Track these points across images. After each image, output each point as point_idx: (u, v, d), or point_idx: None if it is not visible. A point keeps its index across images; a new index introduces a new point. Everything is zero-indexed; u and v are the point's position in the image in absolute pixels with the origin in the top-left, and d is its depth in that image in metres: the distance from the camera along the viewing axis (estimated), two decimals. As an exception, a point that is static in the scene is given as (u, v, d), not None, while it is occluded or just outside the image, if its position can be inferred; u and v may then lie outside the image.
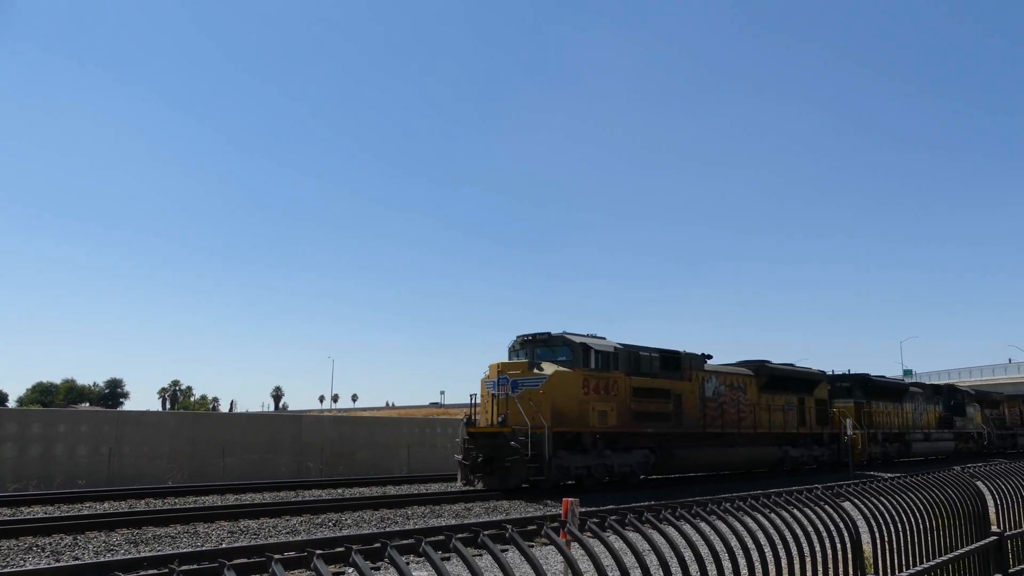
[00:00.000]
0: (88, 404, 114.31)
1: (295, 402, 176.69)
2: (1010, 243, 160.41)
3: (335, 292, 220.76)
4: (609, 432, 20.19)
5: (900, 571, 5.30)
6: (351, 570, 9.38)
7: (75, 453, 20.35)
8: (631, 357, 21.55)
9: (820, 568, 4.76)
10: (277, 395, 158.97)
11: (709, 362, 25.55)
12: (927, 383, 42.35)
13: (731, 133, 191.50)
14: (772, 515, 4.80)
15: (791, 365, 29.60)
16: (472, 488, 18.91)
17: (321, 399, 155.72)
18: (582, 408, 19.47)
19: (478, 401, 20.17)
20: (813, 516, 4.99)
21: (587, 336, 20.87)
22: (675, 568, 3.77)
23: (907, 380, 41.14)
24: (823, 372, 31.28)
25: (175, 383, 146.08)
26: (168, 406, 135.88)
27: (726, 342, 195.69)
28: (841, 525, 5.08)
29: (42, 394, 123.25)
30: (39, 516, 13.72)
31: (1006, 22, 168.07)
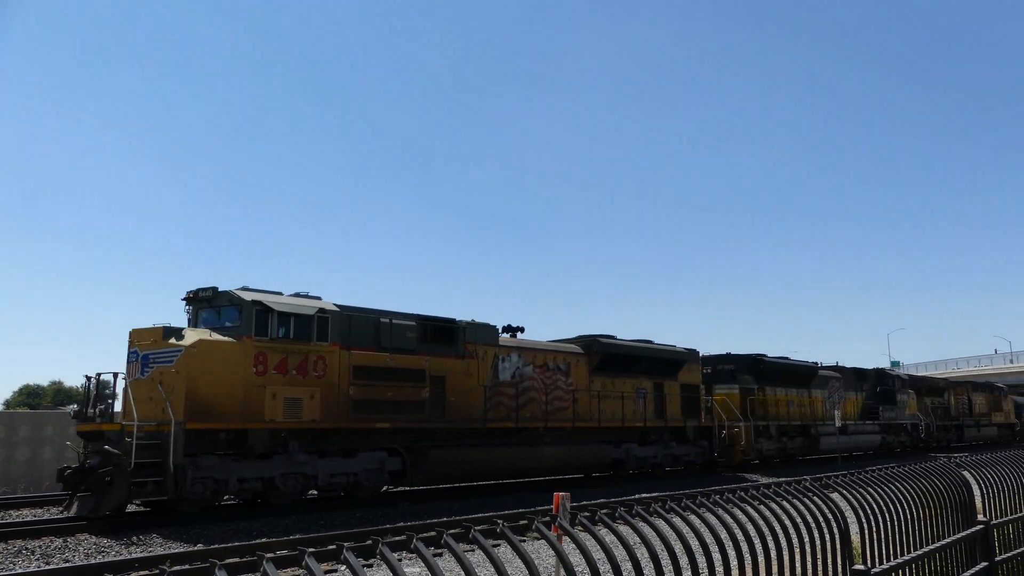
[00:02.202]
0: (76, 406, 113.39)
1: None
2: (999, 235, 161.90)
3: (327, 290, 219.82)
4: (311, 429, 14.73)
5: (888, 561, 5.35)
6: (343, 567, 9.39)
7: (63, 456, 20.23)
8: (352, 324, 15.64)
9: (809, 558, 4.81)
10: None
11: (521, 335, 20.41)
12: (848, 367, 35.33)
13: (715, 125, 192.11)
14: (761, 507, 4.84)
15: (648, 342, 23.81)
16: (70, 516, 12.91)
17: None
18: (251, 394, 13.90)
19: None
20: (802, 507, 5.04)
21: (269, 293, 15.14)
22: (666, 561, 3.80)
23: (823, 365, 34.18)
24: (692, 351, 25.23)
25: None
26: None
27: (712, 336, 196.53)
28: (830, 516, 5.13)
29: (29, 396, 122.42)
30: (28, 519, 13.64)
31: (995, 9, 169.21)
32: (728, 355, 28.64)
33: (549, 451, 19.28)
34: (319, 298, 15.80)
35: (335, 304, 15.75)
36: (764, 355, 29.24)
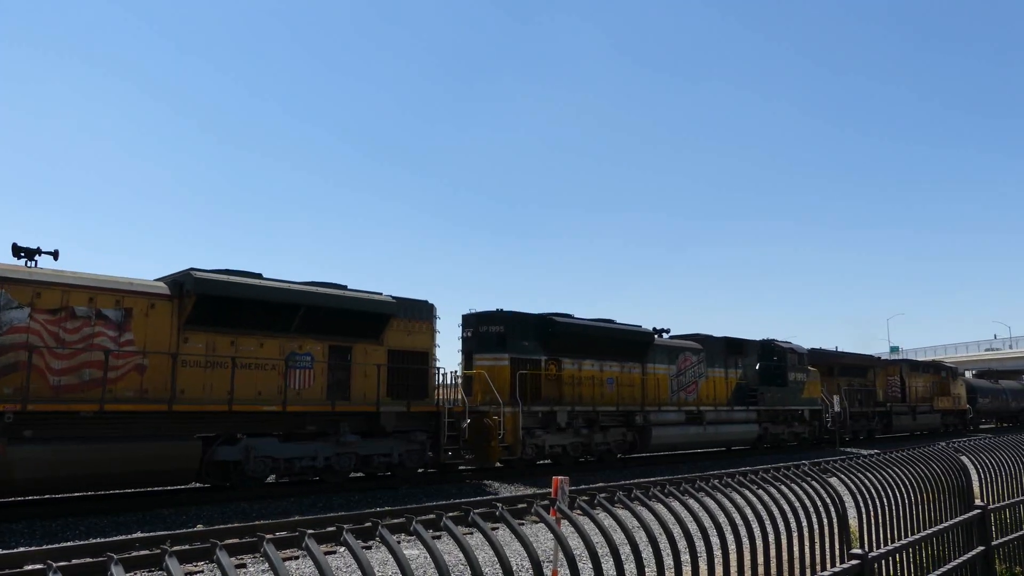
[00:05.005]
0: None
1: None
2: (998, 221, 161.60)
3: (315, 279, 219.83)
4: None
5: (885, 545, 5.38)
6: (343, 549, 9.45)
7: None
8: None
9: (807, 542, 4.82)
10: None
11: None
12: (718, 336, 27.32)
13: (710, 117, 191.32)
14: (760, 491, 4.85)
15: (342, 287, 16.51)
16: None
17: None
18: None
19: None
20: (800, 492, 5.05)
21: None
22: (664, 545, 3.81)
23: (685, 335, 26.87)
24: (418, 302, 17.98)
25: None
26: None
27: (714, 326, 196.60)
28: (828, 500, 5.14)
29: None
30: (31, 499, 13.70)
31: (982, 9, 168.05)
32: (498, 312, 20.43)
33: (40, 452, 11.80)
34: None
35: None
36: (565, 315, 21.65)
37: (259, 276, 15.38)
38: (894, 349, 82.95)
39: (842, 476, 5.83)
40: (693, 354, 25.48)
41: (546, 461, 20.90)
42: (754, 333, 30.71)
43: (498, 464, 19.78)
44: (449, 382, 19.22)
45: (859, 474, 5.83)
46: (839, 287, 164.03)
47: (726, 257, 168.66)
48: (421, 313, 18.02)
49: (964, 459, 7.56)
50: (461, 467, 19.43)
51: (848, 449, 29.43)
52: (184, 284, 14.21)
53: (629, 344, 22.95)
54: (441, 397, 18.50)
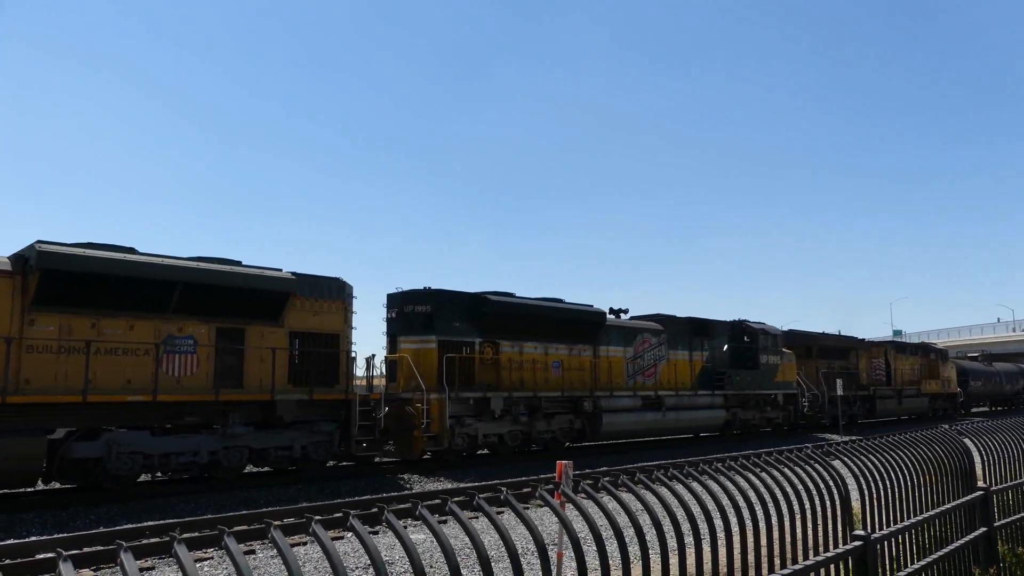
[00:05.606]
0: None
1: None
2: (1000, 204, 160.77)
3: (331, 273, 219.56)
4: None
5: (888, 526, 5.41)
6: (350, 534, 9.52)
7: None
8: None
9: (810, 524, 4.86)
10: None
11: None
12: (682, 316, 25.76)
13: (706, 105, 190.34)
14: (763, 474, 4.88)
15: (236, 263, 15.07)
16: None
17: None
18: None
19: None
20: (803, 474, 5.08)
21: None
22: (668, 527, 3.85)
23: (644, 316, 25.18)
24: (330, 280, 16.35)
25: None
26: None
27: (719, 313, 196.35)
28: (831, 482, 5.18)
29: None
30: (40, 489, 13.80)
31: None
32: (426, 291, 18.92)
33: None
34: None
35: None
36: (505, 293, 20.24)
37: (132, 251, 13.67)
38: (897, 333, 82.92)
39: (845, 459, 5.86)
40: (653, 335, 23.92)
41: (484, 452, 19.48)
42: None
43: (427, 456, 18.27)
44: (375, 369, 17.80)
45: (863, 457, 5.86)
46: (844, 272, 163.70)
47: (732, 246, 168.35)
48: (331, 292, 16.20)
49: (967, 442, 7.59)
50: (382, 460, 18.06)
51: (826, 436, 27.91)
52: (28, 259, 12.45)
53: (578, 325, 21.35)
54: (356, 384, 16.88)
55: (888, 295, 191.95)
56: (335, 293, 16.26)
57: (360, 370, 17.55)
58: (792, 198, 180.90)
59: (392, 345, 18.94)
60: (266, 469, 15.83)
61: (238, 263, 15.03)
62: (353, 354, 16.43)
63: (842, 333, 36.77)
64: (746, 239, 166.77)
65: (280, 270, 15.62)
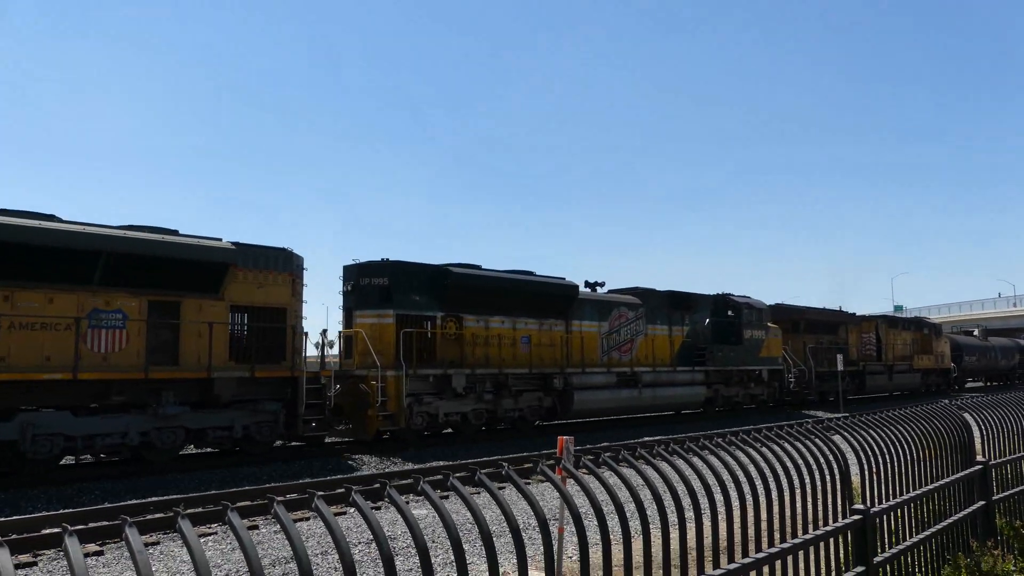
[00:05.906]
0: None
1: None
2: (1002, 178, 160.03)
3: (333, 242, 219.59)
4: None
5: (887, 500, 5.45)
6: (352, 510, 9.61)
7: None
8: None
9: (810, 499, 4.89)
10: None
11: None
12: (662, 290, 25.08)
13: (723, 69, 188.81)
14: (764, 448, 4.90)
15: (172, 232, 14.20)
16: None
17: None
18: None
19: None
20: (803, 449, 5.10)
21: None
22: (668, 501, 3.87)
23: (622, 289, 24.52)
24: (277, 250, 15.52)
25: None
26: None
27: (725, 283, 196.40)
28: (831, 457, 5.20)
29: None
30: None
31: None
32: (384, 262, 17.98)
33: None
34: None
35: None
36: (470, 265, 19.39)
37: (52, 218, 12.80)
38: (898, 308, 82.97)
39: (845, 433, 5.89)
40: (630, 309, 23.09)
41: (448, 431, 18.91)
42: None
43: (385, 436, 17.62)
44: (332, 346, 16.97)
45: (862, 431, 5.89)
46: (845, 245, 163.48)
47: (729, 213, 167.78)
48: (277, 263, 15.28)
49: (967, 416, 7.62)
50: (335, 440, 17.43)
51: (813, 412, 27.26)
52: None
53: (548, 298, 20.57)
54: (309, 361, 16.37)
55: (891, 270, 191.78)
56: (282, 265, 15.38)
57: (314, 347, 17.10)
58: (791, 170, 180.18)
59: (348, 320, 18.14)
60: (210, 450, 15.31)
61: (174, 232, 14.21)
62: (305, 330, 15.88)
63: (842, 309, 36.70)
64: (741, 212, 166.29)
65: (220, 240, 14.80)
